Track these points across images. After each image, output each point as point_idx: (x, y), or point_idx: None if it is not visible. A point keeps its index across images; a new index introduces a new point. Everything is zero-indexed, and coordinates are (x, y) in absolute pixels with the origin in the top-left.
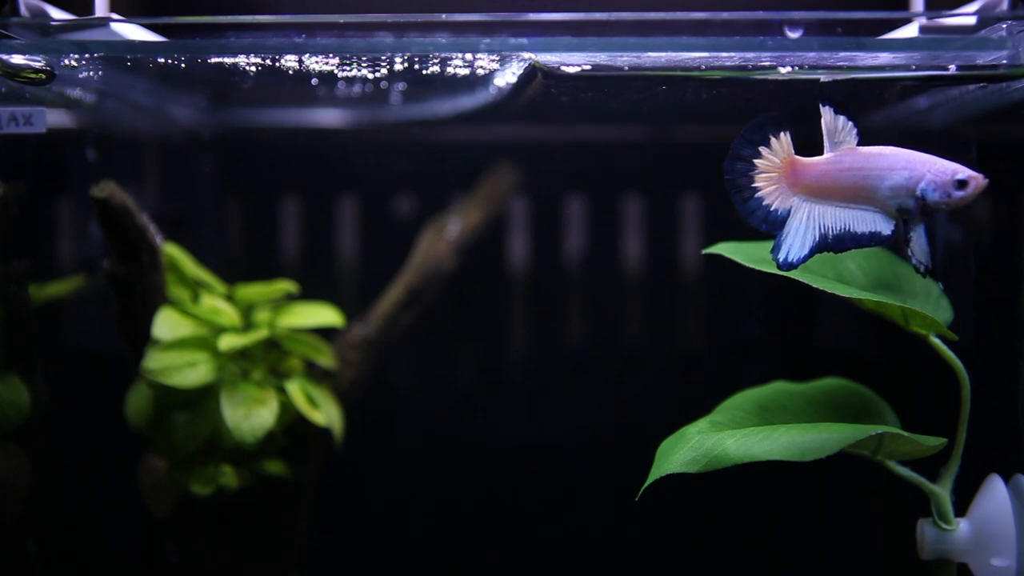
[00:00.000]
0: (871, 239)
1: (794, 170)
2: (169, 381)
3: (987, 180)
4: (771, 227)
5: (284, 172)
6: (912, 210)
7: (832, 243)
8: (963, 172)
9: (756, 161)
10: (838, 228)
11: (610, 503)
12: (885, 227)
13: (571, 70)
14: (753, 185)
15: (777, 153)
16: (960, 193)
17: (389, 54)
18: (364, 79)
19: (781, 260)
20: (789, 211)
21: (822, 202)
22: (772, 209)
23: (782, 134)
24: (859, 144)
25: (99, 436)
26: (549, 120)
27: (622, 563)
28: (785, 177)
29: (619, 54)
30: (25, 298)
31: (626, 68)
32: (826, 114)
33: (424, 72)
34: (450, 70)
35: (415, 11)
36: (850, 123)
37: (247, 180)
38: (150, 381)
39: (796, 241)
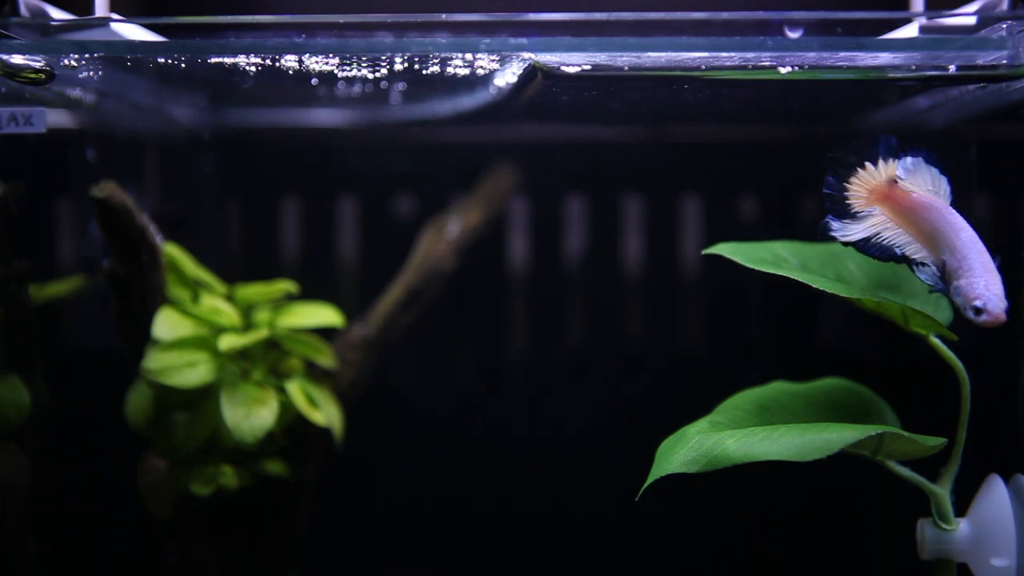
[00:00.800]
0: (909, 263)
1: (891, 189)
2: (169, 381)
3: (1002, 318)
4: (840, 217)
5: (284, 172)
6: (943, 287)
7: (876, 250)
8: (983, 299)
9: (860, 171)
10: (894, 242)
11: (610, 503)
12: (927, 275)
13: (571, 70)
14: (845, 185)
15: (881, 172)
16: (973, 316)
17: (389, 54)
18: (364, 79)
19: (837, 233)
20: (861, 214)
21: (895, 222)
22: (850, 207)
23: (892, 160)
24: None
25: (99, 436)
26: (549, 120)
27: (622, 563)
28: (879, 191)
29: (619, 54)
30: (25, 298)
31: (626, 68)
32: (926, 169)
33: (424, 72)
34: (450, 70)
35: (415, 11)
36: (945, 179)
37: (247, 180)
38: (150, 381)
39: (857, 228)
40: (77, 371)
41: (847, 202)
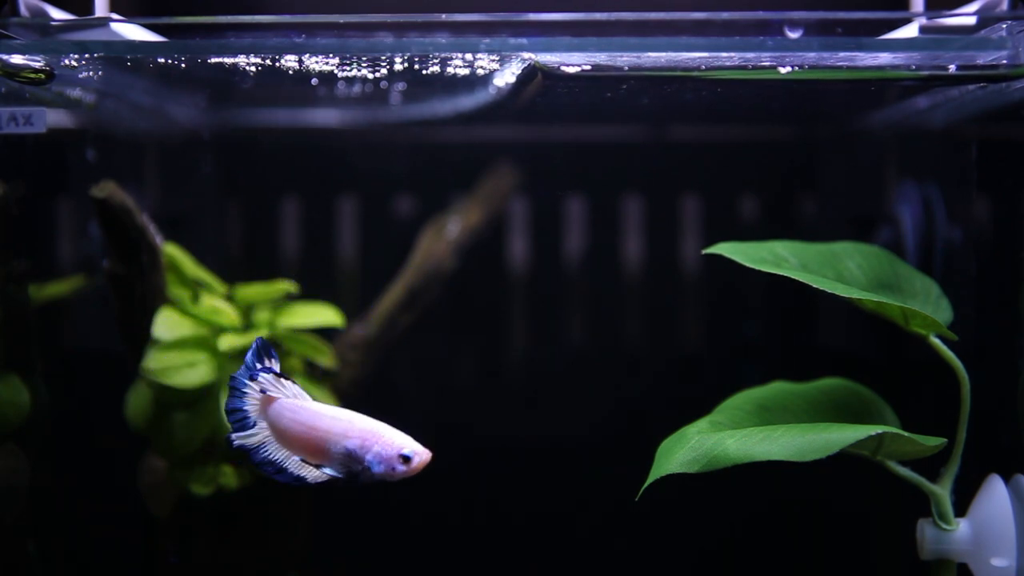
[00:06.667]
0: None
1: (270, 405)
2: (169, 381)
3: (430, 456)
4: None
5: (284, 172)
6: (359, 476)
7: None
8: (408, 447)
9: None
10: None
11: (610, 503)
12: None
13: (571, 70)
14: (244, 391)
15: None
16: (403, 468)
17: (389, 54)
18: (364, 79)
19: (237, 442)
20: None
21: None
22: (249, 418)
23: (264, 375)
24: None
25: (99, 436)
26: (549, 120)
27: (622, 563)
28: (262, 407)
29: (619, 54)
30: (25, 298)
31: (626, 68)
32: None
33: (424, 72)
34: (450, 70)
35: (415, 11)
36: (296, 386)
37: (247, 180)
38: (150, 381)
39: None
40: (77, 371)
41: (247, 411)
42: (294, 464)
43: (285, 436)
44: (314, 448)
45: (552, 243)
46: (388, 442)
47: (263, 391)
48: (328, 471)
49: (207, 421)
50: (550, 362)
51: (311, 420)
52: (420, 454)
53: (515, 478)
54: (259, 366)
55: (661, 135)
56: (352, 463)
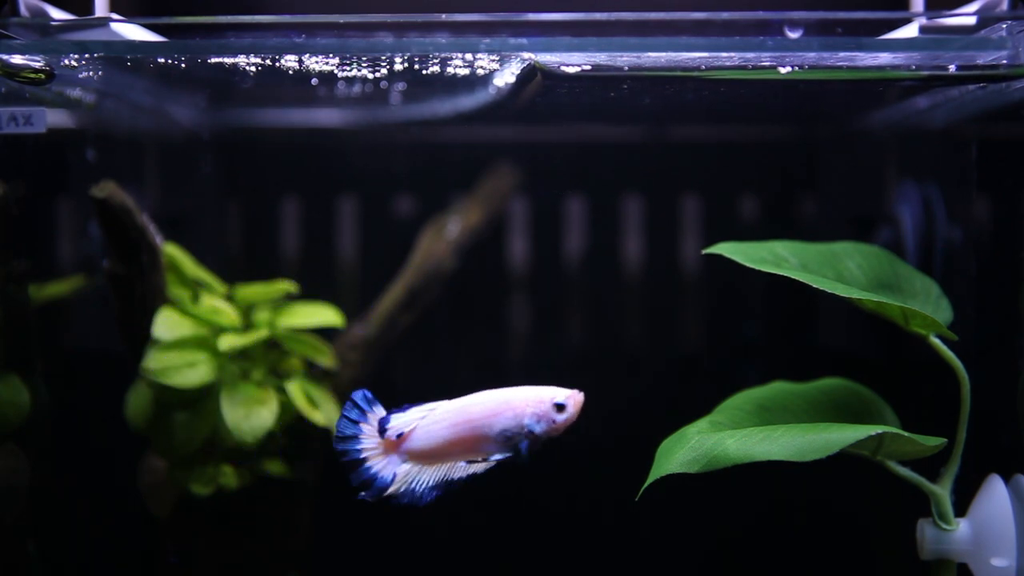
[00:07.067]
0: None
1: (401, 445)
2: (169, 381)
3: (581, 395)
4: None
5: (284, 172)
6: (526, 444)
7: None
8: (559, 395)
9: (364, 431)
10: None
11: (610, 503)
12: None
13: (571, 70)
14: (362, 456)
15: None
16: (563, 417)
17: (389, 54)
18: (364, 79)
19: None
20: (394, 476)
21: (433, 463)
22: (376, 473)
23: (374, 410)
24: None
25: (99, 436)
26: (549, 120)
27: (622, 563)
28: (389, 449)
29: (619, 54)
30: (25, 298)
31: (626, 68)
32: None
33: (424, 72)
34: (450, 70)
35: (415, 11)
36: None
37: (247, 180)
38: (150, 381)
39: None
40: (77, 371)
41: (371, 469)
42: (459, 471)
43: (435, 455)
44: (472, 446)
45: (552, 243)
46: (537, 400)
47: (383, 433)
48: (495, 457)
49: (207, 421)
50: (550, 362)
51: (451, 426)
52: (572, 396)
53: (515, 478)
54: (368, 418)
55: (661, 135)
56: (514, 436)
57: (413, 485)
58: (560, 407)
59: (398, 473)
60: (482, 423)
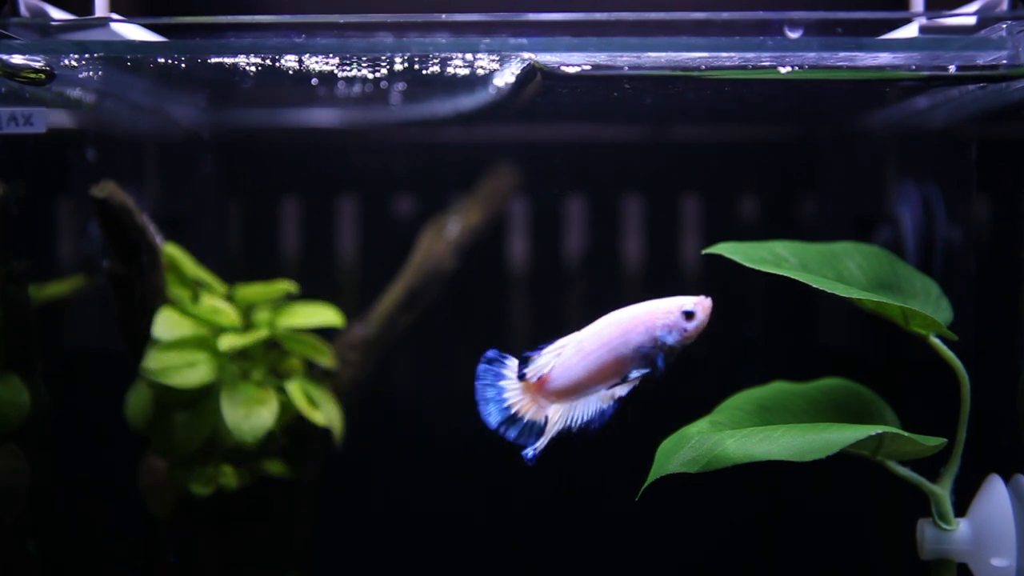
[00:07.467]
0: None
1: (543, 386)
2: (169, 381)
3: (709, 300)
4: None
5: (284, 172)
6: (661, 358)
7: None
8: (687, 303)
9: (503, 384)
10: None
11: (610, 503)
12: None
13: (571, 70)
14: (512, 411)
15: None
16: (694, 324)
17: (389, 54)
18: (364, 79)
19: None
20: (545, 420)
21: (576, 397)
22: (529, 423)
23: (507, 363)
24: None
25: (99, 436)
26: (549, 120)
27: (622, 563)
28: (533, 393)
29: (619, 54)
30: (25, 298)
31: (626, 68)
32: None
33: (424, 72)
34: (450, 70)
35: (415, 11)
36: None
37: (247, 180)
38: (150, 381)
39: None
40: (77, 371)
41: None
42: (605, 399)
43: (578, 388)
44: (611, 370)
45: (552, 243)
46: (666, 311)
47: (523, 378)
48: (634, 374)
49: (207, 421)
50: None
51: (586, 356)
52: (699, 302)
53: (515, 477)
54: (506, 368)
55: (661, 135)
56: (649, 352)
57: (568, 424)
58: (689, 315)
59: (549, 416)
60: (617, 345)
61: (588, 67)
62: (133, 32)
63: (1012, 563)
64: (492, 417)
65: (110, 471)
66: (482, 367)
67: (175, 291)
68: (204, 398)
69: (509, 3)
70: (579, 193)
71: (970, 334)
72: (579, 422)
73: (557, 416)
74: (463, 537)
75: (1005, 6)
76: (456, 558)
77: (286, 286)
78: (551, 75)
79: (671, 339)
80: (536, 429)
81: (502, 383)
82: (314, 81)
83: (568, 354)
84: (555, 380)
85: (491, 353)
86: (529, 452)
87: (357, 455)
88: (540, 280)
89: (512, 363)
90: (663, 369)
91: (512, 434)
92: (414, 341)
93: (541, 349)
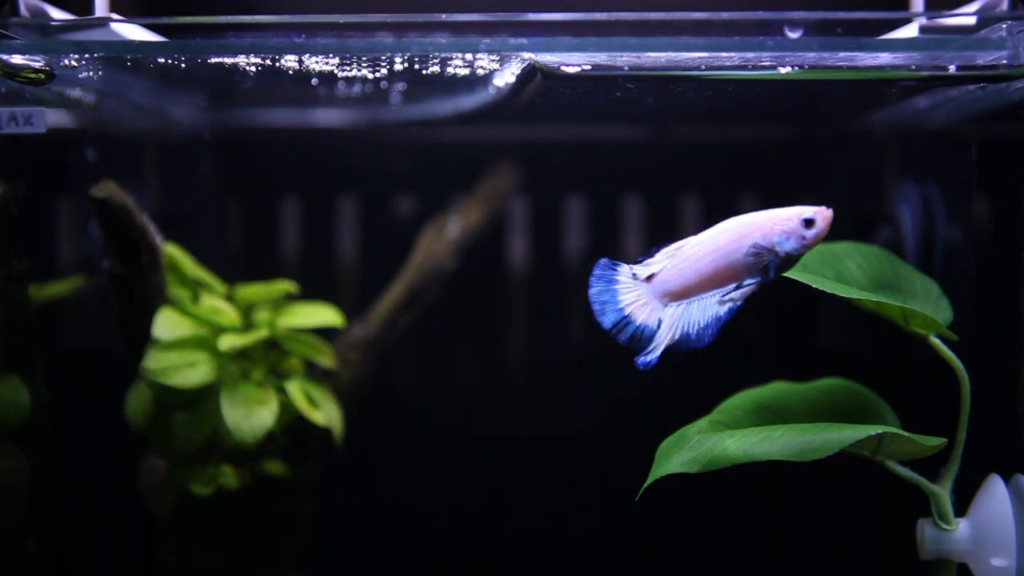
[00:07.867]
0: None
1: (652, 283)
2: (169, 381)
3: (829, 210)
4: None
5: (284, 172)
6: (774, 265)
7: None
8: (807, 211)
9: (617, 287)
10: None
11: (610, 503)
12: (760, 270)
13: (571, 70)
14: (625, 311)
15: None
16: (813, 232)
17: (389, 54)
18: (364, 79)
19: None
20: (659, 323)
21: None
22: (642, 325)
23: (618, 268)
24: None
25: (99, 436)
26: (549, 120)
27: (622, 563)
28: (648, 295)
29: (619, 54)
30: (25, 298)
31: (626, 68)
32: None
33: (424, 72)
34: (450, 70)
35: (415, 11)
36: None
37: (247, 180)
38: (150, 381)
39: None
40: (77, 371)
41: (635, 321)
42: (720, 306)
43: (689, 291)
44: (726, 274)
45: (552, 243)
46: (784, 218)
47: (635, 278)
48: (748, 282)
49: (207, 421)
50: (550, 362)
51: (700, 259)
52: (820, 211)
53: (515, 478)
54: (618, 273)
55: (661, 135)
56: (764, 256)
57: (686, 328)
58: (809, 222)
59: (663, 319)
60: (732, 249)
61: (588, 67)
62: (133, 32)
63: (1012, 563)
64: (606, 318)
65: (110, 471)
66: (596, 272)
67: (175, 291)
68: (204, 398)
69: (509, 3)
70: (579, 193)
71: (970, 334)
72: (695, 328)
73: (672, 320)
74: (463, 537)
75: (1005, 6)
76: (456, 558)
77: (286, 286)
78: (551, 75)
79: (788, 245)
80: (648, 334)
81: (616, 287)
82: (314, 81)
83: (682, 256)
84: (668, 282)
85: (603, 260)
86: (641, 358)
87: (357, 455)
88: (540, 280)
89: (624, 268)
90: (773, 277)
91: (624, 337)
92: (414, 341)
93: (653, 252)
